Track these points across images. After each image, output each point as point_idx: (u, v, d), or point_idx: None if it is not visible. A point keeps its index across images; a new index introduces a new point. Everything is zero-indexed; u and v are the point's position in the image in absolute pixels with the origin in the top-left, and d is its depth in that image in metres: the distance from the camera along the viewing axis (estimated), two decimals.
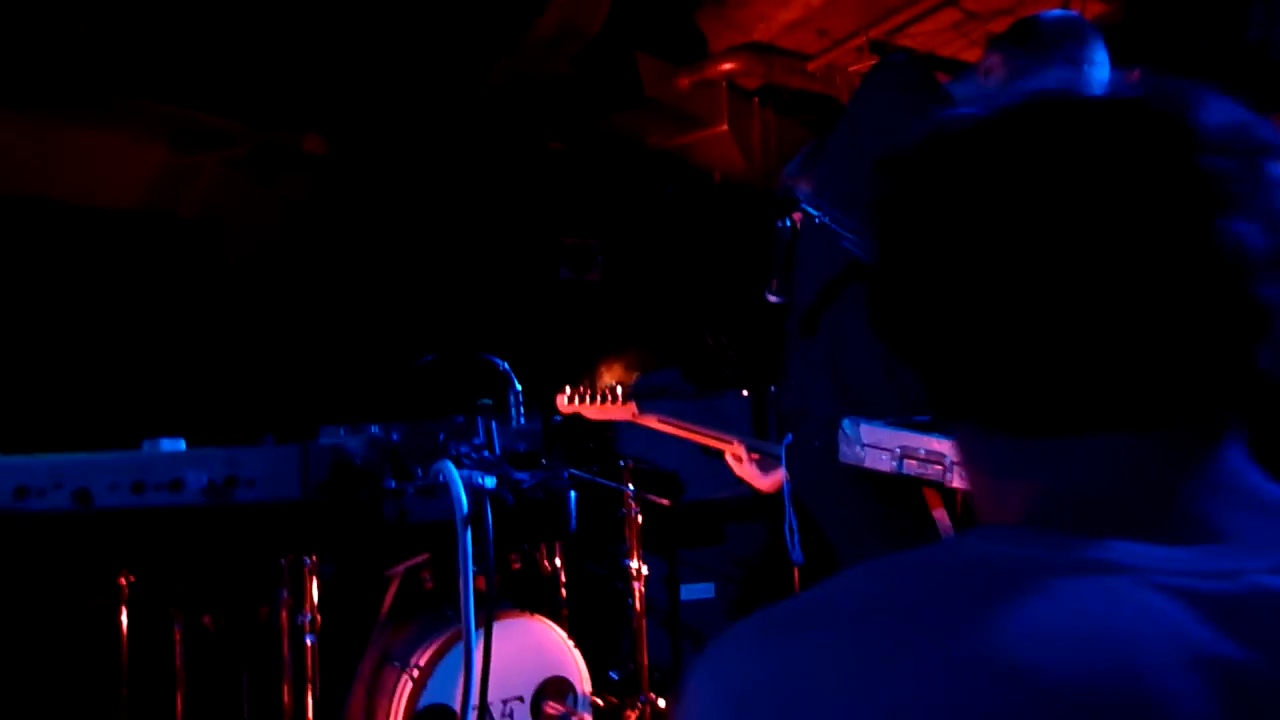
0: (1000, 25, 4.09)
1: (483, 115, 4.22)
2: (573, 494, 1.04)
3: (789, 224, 1.70)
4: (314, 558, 2.48)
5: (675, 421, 2.62)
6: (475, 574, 0.93)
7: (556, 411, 2.76)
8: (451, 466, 0.95)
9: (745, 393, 3.81)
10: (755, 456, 2.37)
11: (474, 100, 4.06)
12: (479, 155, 4.48)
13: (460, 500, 0.93)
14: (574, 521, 1.02)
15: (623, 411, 2.62)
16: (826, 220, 1.52)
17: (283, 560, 2.54)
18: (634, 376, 4.96)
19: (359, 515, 0.94)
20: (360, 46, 3.55)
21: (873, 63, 4.09)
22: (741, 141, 4.57)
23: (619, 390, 2.61)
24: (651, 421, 2.67)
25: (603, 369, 5.40)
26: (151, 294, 3.74)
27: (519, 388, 1.49)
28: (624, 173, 4.93)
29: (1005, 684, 0.46)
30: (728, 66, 4.25)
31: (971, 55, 4.12)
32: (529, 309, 4.68)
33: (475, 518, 0.93)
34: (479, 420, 1.06)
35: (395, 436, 0.99)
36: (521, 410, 1.50)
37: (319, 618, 2.54)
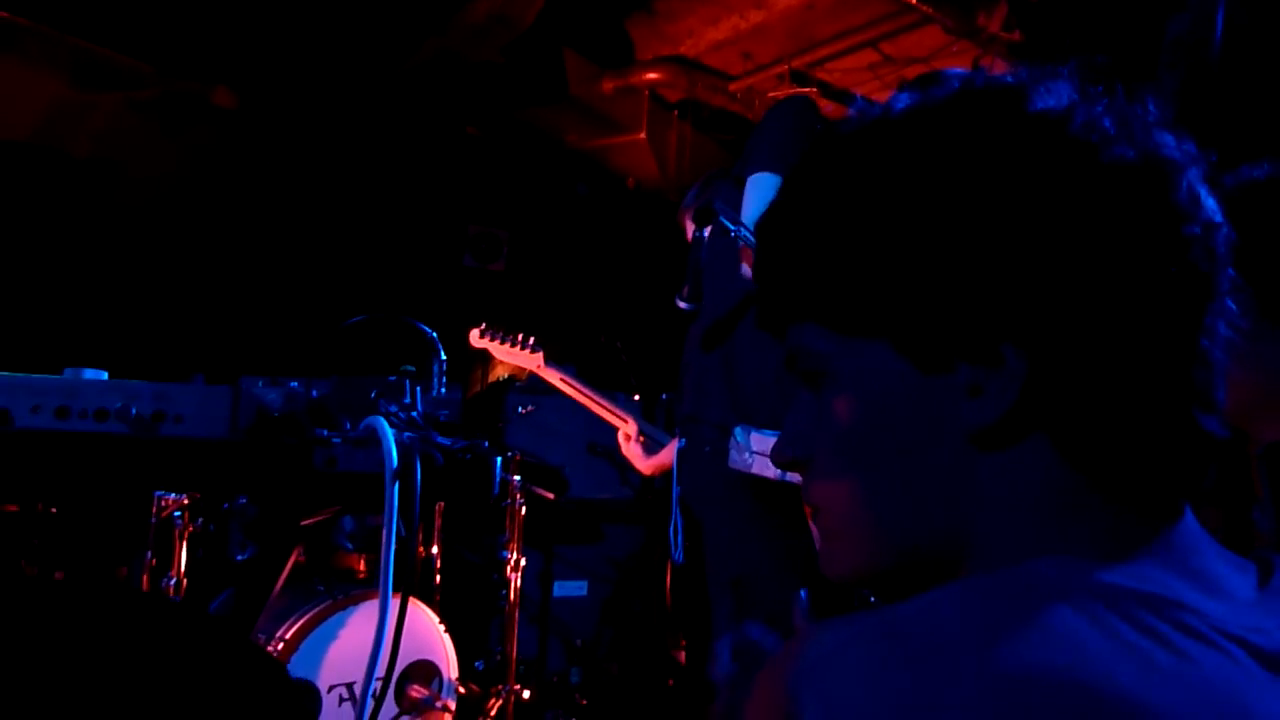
0: (912, 72, 4.28)
1: (402, 90, 4.16)
2: (498, 460, 1.06)
3: (705, 235, 1.76)
4: (185, 517, 2.42)
5: (576, 384, 2.64)
6: (394, 533, 0.95)
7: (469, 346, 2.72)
8: (384, 421, 0.96)
9: (636, 397, 3.87)
10: (642, 439, 2.42)
11: (395, 74, 4.01)
12: (394, 129, 4.42)
13: (391, 453, 0.94)
14: (496, 486, 1.04)
15: (530, 360, 2.62)
16: (739, 235, 1.59)
17: (152, 519, 2.46)
18: (528, 370, 4.96)
19: (290, 458, 0.94)
20: (286, 3, 3.46)
21: (790, 91, 4.22)
22: (658, 151, 4.64)
23: (531, 340, 2.60)
24: (554, 377, 2.68)
25: (496, 360, 5.38)
26: (42, 230, 3.56)
27: (444, 356, 1.48)
28: (538, 167, 4.94)
29: None
30: (652, 76, 4.32)
31: (883, 97, 4.29)
32: (428, 291, 4.63)
33: (404, 472, 0.94)
34: (406, 383, 1.06)
35: (315, 393, 0.99)
36: (444, 379, 1.50)
37: (185, 581, 2.48)
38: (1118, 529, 0.56)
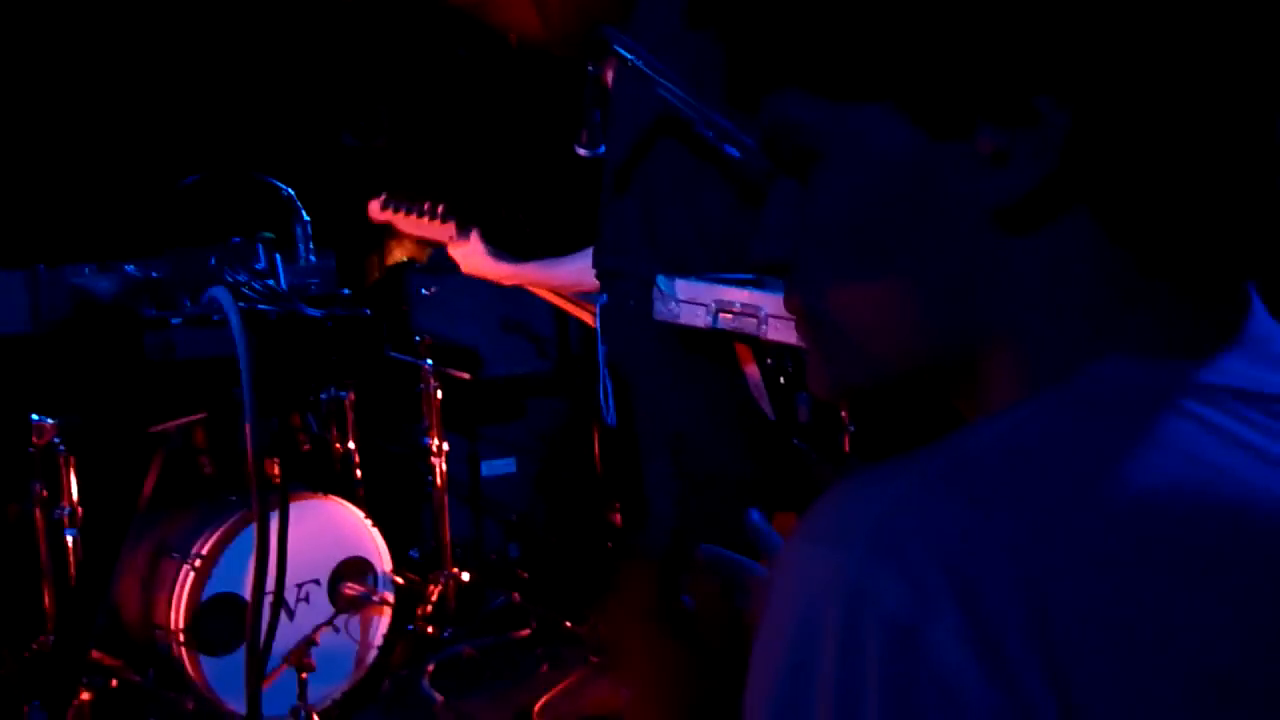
0: None
1: None
2: (381, 325, 0.92)
3: (597, 70, 1.60)
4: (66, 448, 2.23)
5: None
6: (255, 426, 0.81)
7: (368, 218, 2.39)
8: (227, 292, 0.80)
9: None
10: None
11: None
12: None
13: (239, 328, 0.78)
14: (387, 349, 0.91)
15: (441, 230, 2.31)
16: (640, 64, 1.43)
17: (30, 449, 2.27)
18: (428, 251, 4.75)
19: (112, 351, 0.78)
20: None
21: None
22: (538, 2, 4.34)
23: (439, 209, 2.28)
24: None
25: (392, 244, 5.12)
26: None
27: (307, 218, 1.29)
28: (414, 33, 4.59)
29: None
30: None
31: None
32: (309, 176, 4.32)
33: (261, 350, 0.79)
34: (259, 248, 0.90)
35: (156, 274, 0.83)
36: (311, 245, 1.31)
37: (80, 510, 2.31)
38: (1185, 318, 0.48)
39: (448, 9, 4.46)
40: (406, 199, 2.36)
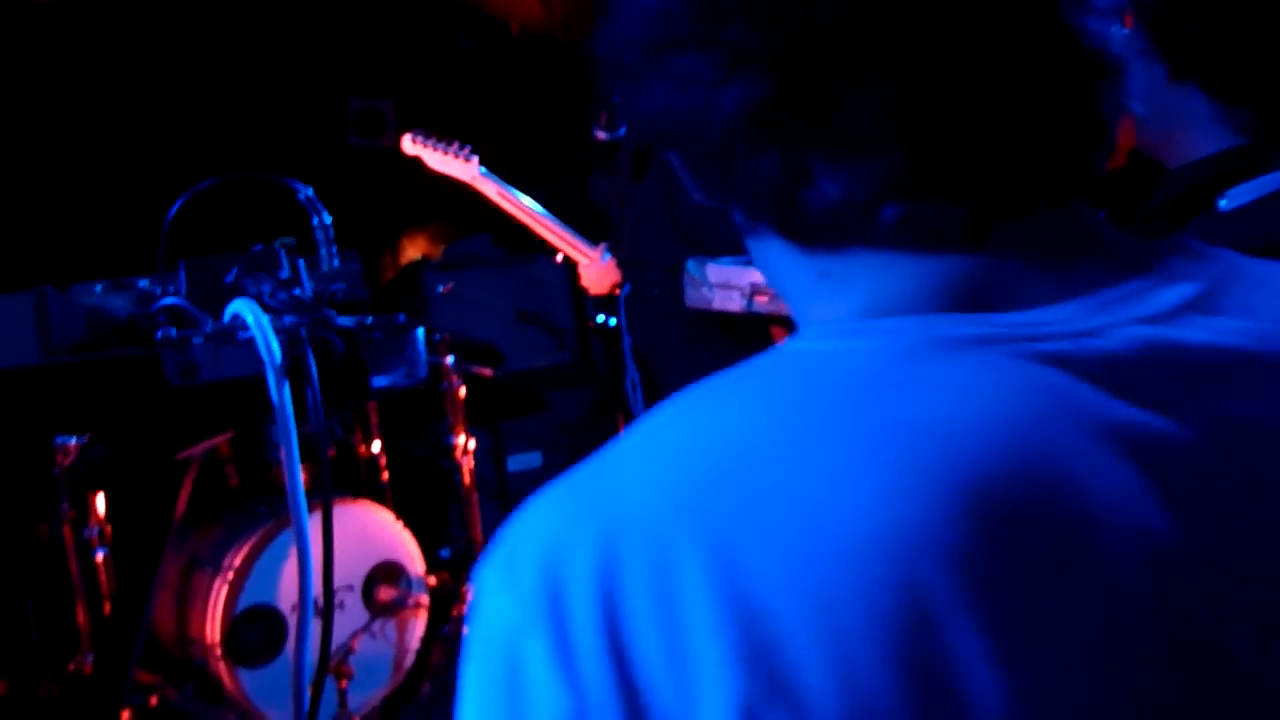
0: None
1: None
2: (420, 332, 0.87)
3: None
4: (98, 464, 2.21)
5: (514, 199, 2.46)
6: (300, 443, 0.78)
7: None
8: (254, 304, 0.75)
9: (559, 258, 3.69)
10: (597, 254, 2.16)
11: None
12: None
13: (270, 344, 0.74)
14: (424, 367, 0.87)
15: (465, 169, 2.46)
16: None
17: (57, 470, 2.25)
18: (441, 247, 4.71)
19: (130, 376, 0.73)
20: None
21: None
22: None
23: (466, 148, 2.45)
24: (490, 190, 2.51)
25: (405, 241, 5.09)
26: None
27: (329, 219, 1.24)
28: (415, 25, 4.53)
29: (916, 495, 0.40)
30: None
31: None
32: (315, 179, 4.28)
33: (295, 368, 0.75)
34: (280, 254, 0.86)
35: (174, 289, 0.79)
36: (334, 247, 1.26)
37: (109, 529, 2.29)
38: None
39: (448, 2, 4.41)
40: (435, 135, 2.56)
